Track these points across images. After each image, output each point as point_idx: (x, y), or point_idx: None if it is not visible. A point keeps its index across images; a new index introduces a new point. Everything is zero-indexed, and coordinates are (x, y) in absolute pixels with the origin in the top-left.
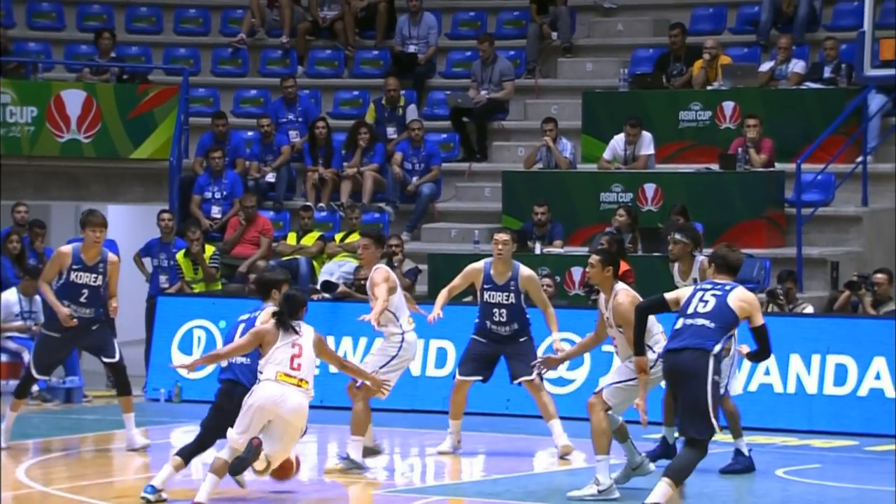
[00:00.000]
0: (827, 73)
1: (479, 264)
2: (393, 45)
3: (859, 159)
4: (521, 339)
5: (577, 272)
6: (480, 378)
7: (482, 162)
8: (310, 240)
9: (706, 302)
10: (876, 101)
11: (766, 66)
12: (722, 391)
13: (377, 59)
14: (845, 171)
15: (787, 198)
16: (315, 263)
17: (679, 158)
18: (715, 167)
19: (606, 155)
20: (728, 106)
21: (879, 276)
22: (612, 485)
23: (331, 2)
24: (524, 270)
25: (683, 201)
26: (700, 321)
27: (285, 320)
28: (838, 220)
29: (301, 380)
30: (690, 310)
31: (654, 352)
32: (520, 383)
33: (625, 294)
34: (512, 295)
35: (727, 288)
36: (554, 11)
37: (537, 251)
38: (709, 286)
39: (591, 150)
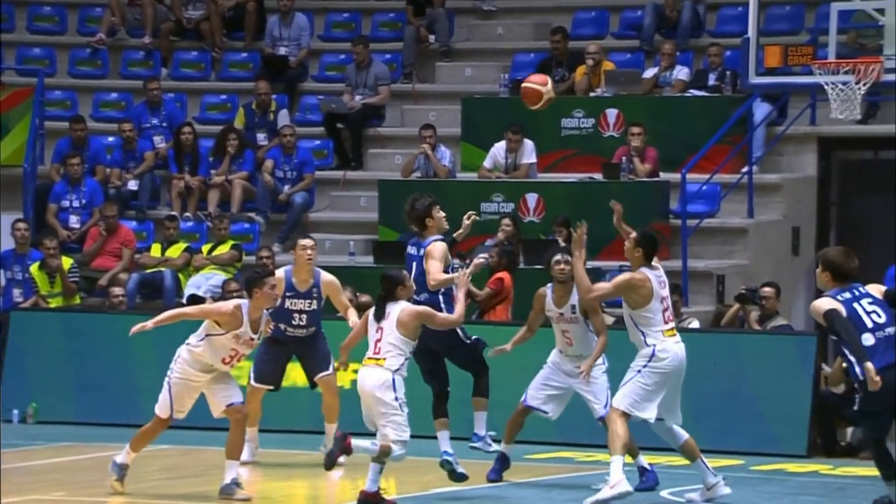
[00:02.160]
0: (712, 80)
1: (280, 273)
2: (263, 46)
3: (745, 169)
4: (316, 339)
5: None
6: (272, 387)
7: (357, 170)
8: (175, 251)
9: (874, 311)
10: (761, 109)
11: (649, 73)
12: None
13: (246, 61)
14: (731, 182)
15: (671, 209)
16: (181, 276)
17: (562, 167)
18: (598, 177)
19: (487, 163)
20: (611, 113)
21: (767, 289)
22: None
23: (196, 1)
24: (325, 276)
25: (566, 212)
26: (889, 330)
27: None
28: (724, 232)
29: (380, 358)
30: (870, 323)
31: (647, 345)
32: (314, 384)
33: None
34: (314, 302)
35: (867, 290)
36: (431, 14)
37: None
38: (857, 294)
39: (471, 159)
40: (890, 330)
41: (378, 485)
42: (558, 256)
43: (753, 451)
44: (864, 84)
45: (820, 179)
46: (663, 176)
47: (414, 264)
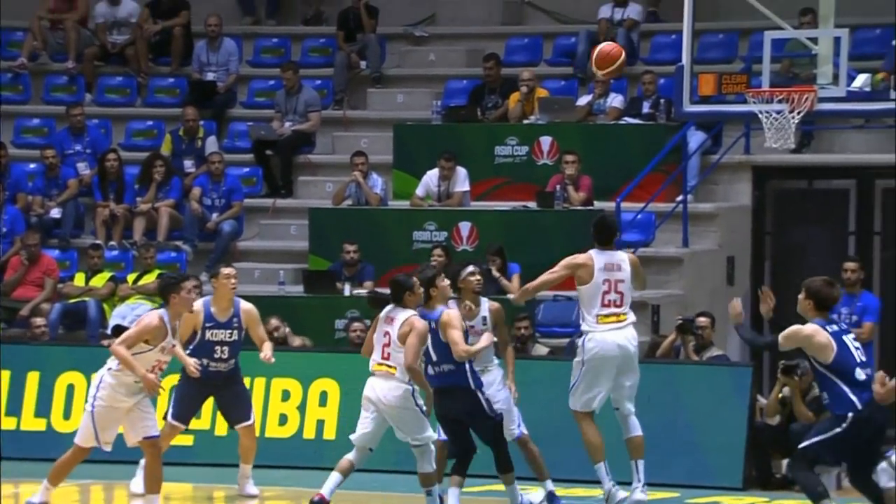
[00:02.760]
0: (646, 108)
1: (198, 305)
2: (190, 72)
3: (679, 198)
4: (236, 378)
5: None
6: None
7: (287, 198)
8: (100, 281)
9: (858, 348)
10: (696, 137)
11: (583, 101)
12: None
13: (173, 87)
14: (665, 211)
15: None
16: (105, 306)
17: (495, 195)
18: (532, 205)
19: (419, 191)
20: (545, 141)
21: (702, 319)
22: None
23: (121, 25)
24: (245, 305)
25: (500, 240)
26: (868, 370)
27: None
28: (659, 261)
29: (390, 366)
30: (859, 358)
31: (581, 332)
32: (234, 429)
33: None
34: (235, 332)
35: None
36: (362, 39)
37: (346, 293)
38: (843, 328)
39: (403, 186)
40: (869, 370)
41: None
42: (471, 268)
43: (689, 484)
44: (798, 113)
45: (754, 209)
46: (598, 204)
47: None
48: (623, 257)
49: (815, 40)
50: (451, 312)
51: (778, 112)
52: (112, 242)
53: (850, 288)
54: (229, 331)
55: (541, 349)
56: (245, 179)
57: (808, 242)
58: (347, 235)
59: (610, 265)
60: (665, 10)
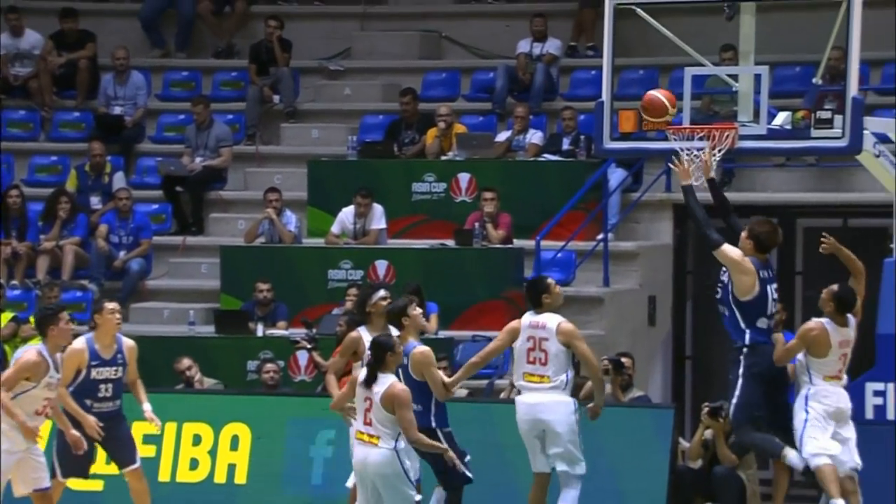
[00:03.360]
0: (566, 144)
1: (81, 342)
2: (96, 106)
3: (600, 237)
4: (119, 419)
5: (302, 356)
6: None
7: (198, 235)
8: (1, 321)
9: (775, 301)
10: (616, 175)
11: (502, 136)
12: None
13: (78, 121)
14: (586, 250)
15: (526, 277)
16: (7, 348)
17: (413, 233)
18: (450, 243)
19: (334, 229)
20: (464, 178)
21: (624, 360)
22: None
23: (24, 58)
24: (127, 341)
25: (418, 279)
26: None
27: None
28: (580, 301)
29: (372, 436)
30: (770, 310)
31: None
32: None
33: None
34: (120, 369)
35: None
36: (276, 73)
37: (259, 333)
38: (770, 275)
39: (317, 224)
40: (771, 322)
41: None
42: (383, 292)
43: None
44: (719, 151)
45: (676, 247)
46: (517, 243)
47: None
48: (551, 320)
49: (736, 77)
50: (423, 349)
51: (699, 149)
52: (14, 281)
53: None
54: (114, 368)
55: (460, 391)
56: (154, 216)
57: None
58: (260, 274)
59: (535, 323)
60: (584, 46)
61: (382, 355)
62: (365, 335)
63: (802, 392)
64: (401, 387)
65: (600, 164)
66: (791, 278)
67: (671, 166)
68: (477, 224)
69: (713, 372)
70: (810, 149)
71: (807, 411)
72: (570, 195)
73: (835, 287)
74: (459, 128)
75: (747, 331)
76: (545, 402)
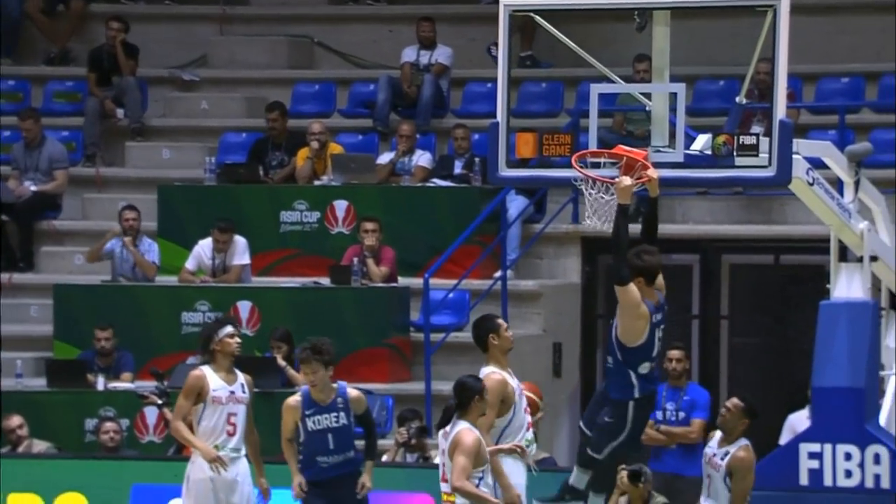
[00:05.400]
0: (458, 168)
1: None
2: None
3: (497, 274)
4: None
5: (151, 413)
6: None
7: (27, 272)
8: None
9: (661, 340)
10: (516, 203)
11: (385, 158)
12: None
13: None
14: (481, 289)
15: (412, 320)
16: None
17: (281, 270)
18: (325, 282)
19: (189, 265)
20: (340, 206)
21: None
22: None
23: None
24: None
25: (287, 324)
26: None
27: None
28: (475, 348)
29: (448, 494)
30: (654, 352)
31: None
32: None
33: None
34: None
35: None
36: (119, 83)
37: (100, 387)
38: (659, 319)
39: (170, 259)
40: (655, 367)
41: None
42: (230, 329)
43: None
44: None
45: (584, 287)
46: (402, 281)
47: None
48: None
49: (649, 95)
50: (359, 394)
51: (610, 180)
52: None
53: (675, 381)
54: None
55: None
56: None
57: None
58: (101, 318)
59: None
60: (478, 54)
61: (468, 400)
62: (210, 375)
63: None
64: (469, 433)
65: (497, 191)
66: (716, 324)
67: (611, 183)
68: (356, 259)
69: None
70: (733, 179)
71: None
72: (464, 226)
73: (740, 403)
74: (335, 148)
75: (636, 382)
76: None
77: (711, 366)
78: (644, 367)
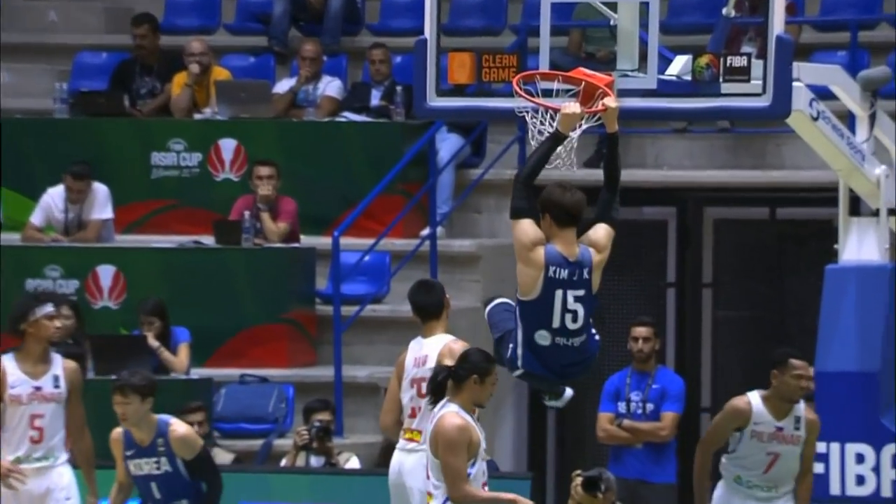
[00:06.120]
0: (375, 99)
1: None
2: None
3: (426, 232)
4: None
5: None
6: None
7: None
8: None
9: (574, 312)
10: (449, 143)
11: (283, 86)
12: None
13: None
14: (406, 250)
15: (319, 290)
16: None
17: (153, 226)
18: (209, 241)
19: (36, 219)
20: (227, 146)
21: None
22: None
23: None
24: None
25: (160, 293)
26: (575, 340)
27: None
28: (397, 324)
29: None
30: (556, 322)
31: None
32: None
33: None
34: None
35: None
36: None
37: None
38: (570, 279)
39: (12, 211)
40: (577, 340)
41: None
42: (50, 308)
43: None
44: (590, 117)
45: None
46: (306, 241)
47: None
48: (436, 344)
49: (614, 6)
50: (185, 434)
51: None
52: None
53: (642, 364)
54: None
55: (224, 455)
56: None
57: (611, 297)
58: None
59: (420, 358)
60: None
61: (464, 377)
62: (9, 366)
63: None
64: (454, 420)
65: (425, 127)
66: (697, 293)
67: (560, 108)
68: (247, 213)
69: (587, 425)
70: (718, 111)
71: None
72: (383, 172)
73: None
74: (220, 73)
75: (521, 352)
76: (414, 466)
77: (690, 346)
78: (541, 338)
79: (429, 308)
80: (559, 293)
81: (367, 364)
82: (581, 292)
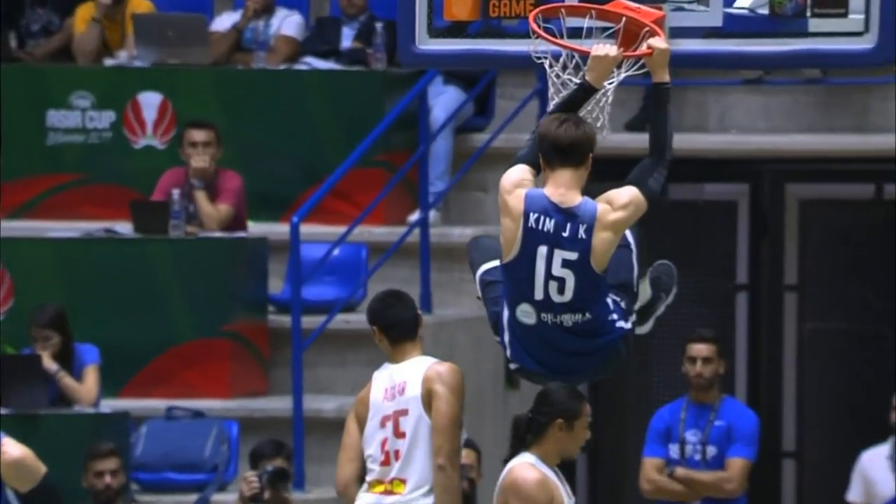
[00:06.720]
0: (347, 39)
1: None
2: None
3: (414, 217)
4: None
5: None
6: None
7: None
8: None
9: (561, 280)
10: (445, 98)
11: (225, 22)
12: None
13: None
14: (389, 241)
15: (272, 294)
16: None
17: (49, 209)
18: (126, 229)
19: None
20: (150, 102)
21: (465, 454)
22: None
23: None
24: None
25: (60, 299)
26: (565, 318)
27: None
28: (372, 340)
29: None
30: (540, 293)
31: None
32: None
33: None
34: None
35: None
36: None
37: None
38: (556, 236)
39: None
40: (569, 318)
41: None
42: None
43: None
44: (629, 66)
45: None
46: (255, 228)
47: None
48: (415, 368)
49: None
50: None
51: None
52: None
53: (701, 394)
54: None
55: None
56: None
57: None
58: None
59: (394, 388)
60: None
61: (545, 423)
62: None
63: None
64: (531, 473)
65: (414, 77)
66: (777, 299)
67: (591, 52)
68: (177, 192)
69: (628, 473)
70: (805, 56)
71: None
72: (359, 138)
73: None
74: (141, 4)
75: (507, 337)
76: None
77: (768, 370)
78: (524, 314)
79: (404, 324)
80: (542, 250)
81: (335, 393)
82: (572, 255)
